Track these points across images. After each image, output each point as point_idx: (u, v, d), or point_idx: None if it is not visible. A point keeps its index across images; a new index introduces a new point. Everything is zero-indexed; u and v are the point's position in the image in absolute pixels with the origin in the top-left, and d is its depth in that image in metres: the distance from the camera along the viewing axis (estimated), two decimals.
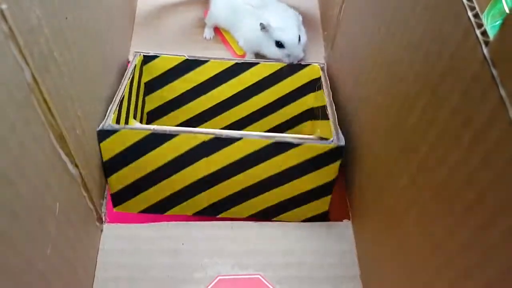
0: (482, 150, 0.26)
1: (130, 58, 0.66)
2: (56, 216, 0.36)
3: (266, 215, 0.55)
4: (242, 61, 0.62)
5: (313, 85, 0.63)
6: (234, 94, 0.64)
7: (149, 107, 0.65)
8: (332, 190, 0.52)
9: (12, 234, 0.29)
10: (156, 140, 0.49)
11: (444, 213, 0.30)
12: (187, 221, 0.53)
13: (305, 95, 0.64)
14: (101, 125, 0.48)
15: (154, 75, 0.63)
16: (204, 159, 0.50)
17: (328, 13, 0.68)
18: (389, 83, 0.41)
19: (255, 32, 0.63)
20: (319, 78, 0.60)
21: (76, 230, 0.41)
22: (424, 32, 0.33)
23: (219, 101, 0.64)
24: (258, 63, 0.62)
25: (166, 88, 0.64)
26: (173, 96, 0.64)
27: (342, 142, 0.49)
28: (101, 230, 0.50)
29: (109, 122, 0.48)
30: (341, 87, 0.57)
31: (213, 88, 0.63)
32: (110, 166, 0.51)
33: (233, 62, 0.62)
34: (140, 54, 0.60)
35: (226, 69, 0.62)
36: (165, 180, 0.52)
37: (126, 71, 0.57)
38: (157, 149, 0.49)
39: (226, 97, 0.64)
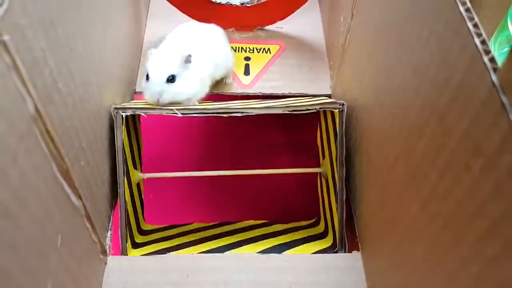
0: (493, 178, 0.25)
1: (137, 89, 0.66)
2: (57, 249, 0.35)
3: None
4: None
5: None
6: None
7: None
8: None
9: (11, 267, 0.28)
10: None
11: (455, 243, 0.29)
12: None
13: None
14: None
15: None
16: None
17: (333, 43, 0.68)
18: (396, 110, 0.40)
19: None
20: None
21: (79, 263, 0.40)
22: (431, 58, 0.33)
23: None
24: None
25: None
26: None
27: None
28: (105, 263, 0.49)
29: None
30: (347, 116, 0.56)
31: None
32: None
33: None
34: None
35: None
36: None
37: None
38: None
39: None
